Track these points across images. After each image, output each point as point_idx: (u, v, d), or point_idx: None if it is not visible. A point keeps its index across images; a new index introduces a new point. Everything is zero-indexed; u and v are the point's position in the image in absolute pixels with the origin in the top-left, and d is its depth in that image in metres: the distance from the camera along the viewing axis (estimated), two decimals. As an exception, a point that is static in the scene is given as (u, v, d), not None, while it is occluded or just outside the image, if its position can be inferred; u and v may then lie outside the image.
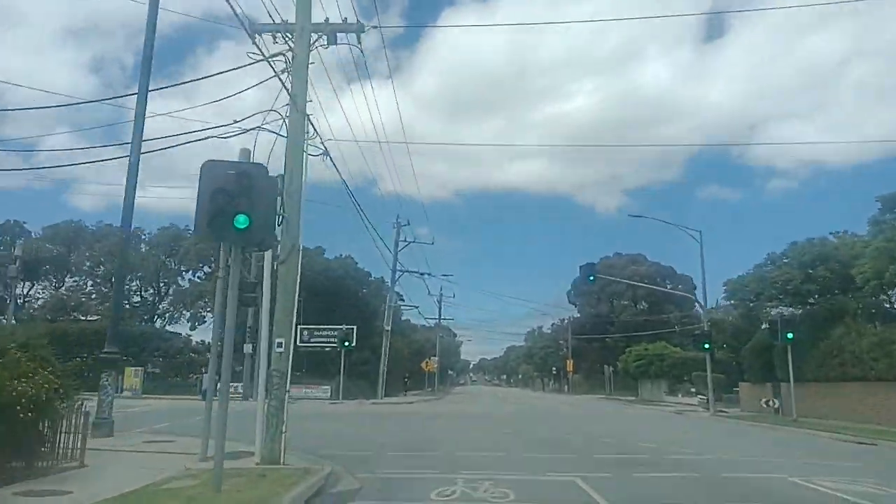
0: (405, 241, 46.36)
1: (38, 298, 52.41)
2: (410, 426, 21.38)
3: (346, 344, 40.21)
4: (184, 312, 50.19)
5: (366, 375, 45.70)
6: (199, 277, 50.59)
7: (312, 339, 44.68)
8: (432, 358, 62.47)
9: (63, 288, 52.37)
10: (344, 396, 40.05)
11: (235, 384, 41.39)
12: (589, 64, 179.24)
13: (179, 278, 51.68)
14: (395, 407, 36.25)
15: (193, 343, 46.08)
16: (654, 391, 57.96)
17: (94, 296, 51.20)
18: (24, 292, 53.76)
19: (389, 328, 46.17)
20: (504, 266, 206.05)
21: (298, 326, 44.52)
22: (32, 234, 52.54)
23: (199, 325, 49.62)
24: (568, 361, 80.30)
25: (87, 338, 42.28)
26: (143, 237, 52.73)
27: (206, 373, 42.26)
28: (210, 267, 48.70)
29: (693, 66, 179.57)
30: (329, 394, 41.57)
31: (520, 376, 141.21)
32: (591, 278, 33.10)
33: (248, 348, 38.70)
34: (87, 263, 51.41)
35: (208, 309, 47.89)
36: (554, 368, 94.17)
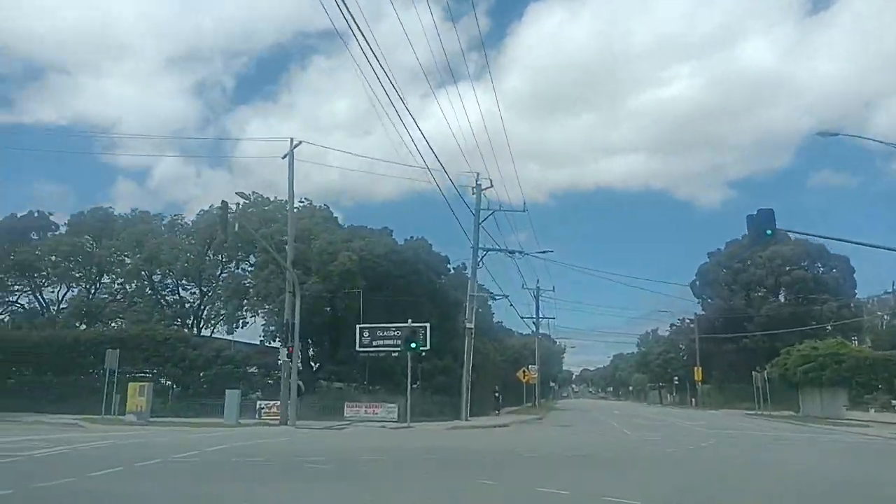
0: (487, 209, 35.30)
1: (68, 300, 45.24)
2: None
3: (414, 346, 29.43)
4: (221, 312, 41.11)
5: (446, 389, 34.83)
6: (243, 269, 41.46)
7: (375, 342, 34.29)
8: (531, 367, 50.84)
9: (90, 287, 45.07)
10: (416, 417, 29.30)
11: (269, 402, 31.59)
12: (683, 48, 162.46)
13: (220, 270, 42.74)
14: (483, 436, 25.05)
15: (233, 351, 36.75)
16: (828, 404, 43.71)
17: (119, 296, 43.51)
18: (58, 294, 46.81)
19: (472, 326, 35.06)
20: (603, 268, 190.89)
21: (357, 326, 34.64)
22: (60, 227, 45.58)
23: (237, 327, 40.56)
24: (696, 369, 66.22)
25: (95, 348, 33.79)
26: (181, 224, 44.51)
27: (239, 389, 32.84)
28: (256, 256, 39.36)
29: (798, 43, 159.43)
30: (396, 414, 30.96)
31: (630, 388, 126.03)
32: (769, 233, 20.44)
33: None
34: (112, 258, 43.48)
35: (246, 308, 38.67)
36: (676, 378, 79.83)
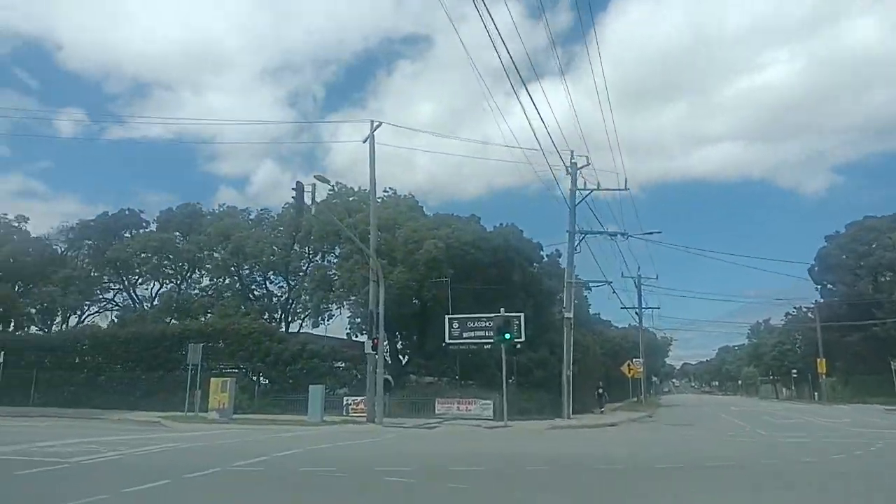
0: (584, 189, 31.97)
1: (160, 296, 45.48)
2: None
3: (508, 336, 26.64)
4: (307, 304, 39.73)
5: (543, 384, 31.91)
6: (328, 261, 40.04)
7: (465, 334, 31.80)
8: (635, 360, 46.89)
9: (181, 282, 45.18)
10: (513, 415, 26.56)
11: (356, 398, 29.76)
12: (780, 30, 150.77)
13: (307, 264, 41.52)
14: (597, 438, 22.04)
15: (319, 345, 35.25)
16: None
17: (210, 291, 43.10)
18: (152, 290, 47.29)
19: (571, 315, 31.90)
20: (699, 259, 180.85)
21: (446, 317, 32.19)
22: (151, 224, 45.92)
23: (323, 320, 39.09)
24: (819, 361, 59.87)
25: (181, 342, 33.07)
26: (267, 218, 43.63)
27: (323, 384, 31.04)
28: (340, 247, 37.81)
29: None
30: (491, 411, 28.37)
31: (739, 382, 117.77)
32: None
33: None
34: (202, 253, 43.16)
35: (332, 300, 37.05)
36: (794, 370, 73.01)
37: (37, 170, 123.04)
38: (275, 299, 43.48)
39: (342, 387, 32.78)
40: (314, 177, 24.16)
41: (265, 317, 40.30)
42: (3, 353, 32.46)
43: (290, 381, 33.14)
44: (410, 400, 30.21)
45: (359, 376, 30.92)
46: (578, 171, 31.53)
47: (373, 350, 25.71)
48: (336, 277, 37.46)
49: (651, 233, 35.52)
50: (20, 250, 43.65)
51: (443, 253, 33.35)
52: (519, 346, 29.68)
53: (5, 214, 45.76)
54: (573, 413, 29.94)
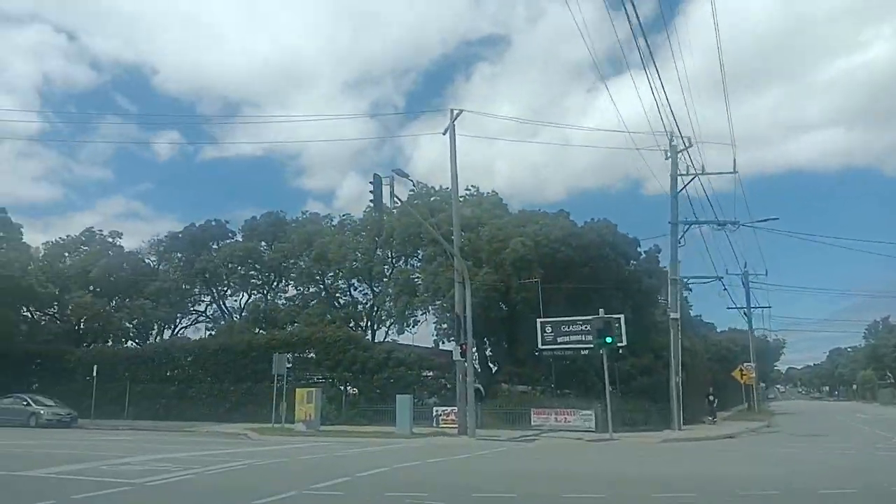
0: (686, 174, 29.05)
1: (247, 306, 45.56)
2: None
3: (609, 340, 24.12)
4: (391, 311, 38.38)
5: (648, 392, 29.19)
6: (411, 265, 38.72)
7: (559, 339, 29.49)
8: (746, 364, 42.91)
9: (267, 291, 45.01)
10: (616, 426, 24.03)
11: (445, 408, 28.01)
12: (883, 4, 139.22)
13: (390, 268, 40.35)
14: (724, 454, 19.37)
15: (405, 353, 33.85)
16: None
17: (297, 300, 42.56)
18: (240, 301, 47.48)
19: (678, 316, 29.00)
20: (804, 254, 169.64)
21: (538, 320, 29.94)
22: (237, 234, 46.09)
23: (408, 327, 37.61)
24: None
25: (267, 353, 32.40)
26: (349, 223, 42.80)
27: (411, 394, 29.55)
28: (423, 250, 36.41)
29: None
30: (593, 422, 25.95)
31: (854, 387, 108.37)
32: None
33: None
34: (286, 261, 42.78)
35: (417, 306, 35.49)
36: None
37: (137, 192, 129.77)
38: (360, 307, 42.52)
39: (430, 396, 31.25)
40: (392, 171, 22.76)
41: (350, 325, 39.33)
42: (95, 366, 32.76)
43: (378, 391, 31.88)
44: (503, 410, 28.26)
45: (448, 385, 29.22)
46: (679, 155, 28.68)
47: (461, 357, 23.93)
48: (419, 281, 36.02)
49: (766, 219, 31.99)
50: (115, 265, 44.66)
51: (531, 252, 31.26)
52: (620, 350, 27.14)
53: (101, 230, 47.16)
54: (683, 423, 27.07)
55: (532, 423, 26.73)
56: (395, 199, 22.66)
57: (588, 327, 26.62)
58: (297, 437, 23.11)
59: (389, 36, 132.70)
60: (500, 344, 36.18)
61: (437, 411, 28.23)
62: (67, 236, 46.90)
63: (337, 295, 43.87)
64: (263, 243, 45.28)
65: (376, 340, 37.19)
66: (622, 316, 27.60)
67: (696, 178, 28.80)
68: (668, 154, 28.91)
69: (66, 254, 45.68)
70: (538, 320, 29.93)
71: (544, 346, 29.70)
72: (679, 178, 29.08)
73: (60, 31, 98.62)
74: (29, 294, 37.91)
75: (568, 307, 30.54)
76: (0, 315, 35.65)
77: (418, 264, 37.23)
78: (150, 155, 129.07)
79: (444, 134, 26.76)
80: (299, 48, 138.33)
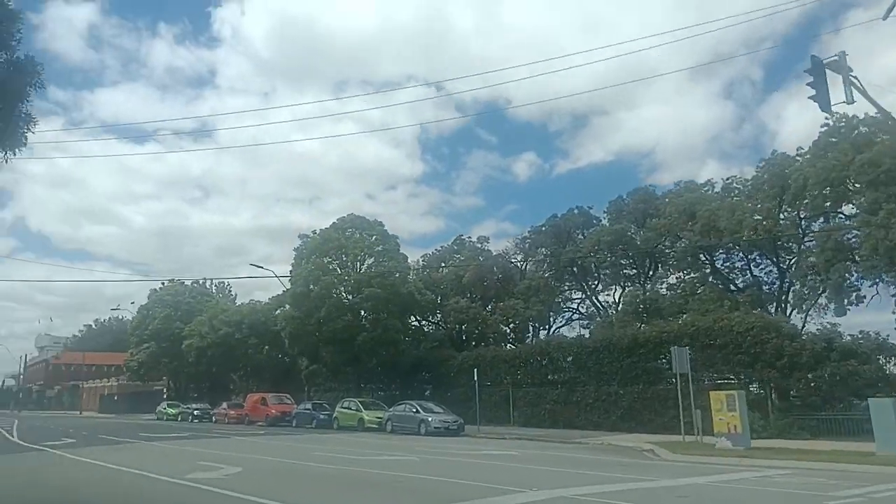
0: None
1: (622, 298, 40.36)
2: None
3: None
4: (816, 285, 28.78)
5: None
6: (840, 219, 29.05)
7: None
8: None
9: (643, 278, 38.96)
10: None
11: None
12: None
13: (803, 232, 30.92)
14: None
15: (852, 343, 24.39)
16: None
17: (679, 288, 35.47)
18: (614, 294, 42.86)
19: None
20: None
21: None
22: (602, 219, 41.42)
23: (850, 304, 27.47)
24: None
25: (656, 348, 26.52)
26: (738, 187, 34.47)
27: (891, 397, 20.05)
28: (855, 199, 26.81)
29: None
30: None
31: None
32: None
33: None
34: (659, 241, 36.19)
35: (858, 274, 25.59)
36: None
37: (505, 212, 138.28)
38: (765, 287, 33.68)
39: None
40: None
41: (756, 310, 30.97)
42: (476, 370, 30.94)
43: (819, 393, 23.52)
44: None
45: None
46: None
47: None
48: (856, 242, 26.28)
49: None
50: (485, 269, 44.06)
51: None
52: None
53: (469, 237, 47.35)
54: None
55: None
56: (851, 89, 14.55)
57: None
58: (723, 458, 16.60)
59: (736, 8, 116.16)
60: None
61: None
62: (442, 247, 48.26)
63: (731, 276, 35.80)
64: (633, 225, 39.67)
65: (812, 334, 28.05)
66: None
67: None
68: None
69: (443, 263, 46.73)
70: None
71: None
72: None
73: (430, 85, 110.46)
74: (410, 302, 38.68)
75: None
76: (388, 324, 36.65)
77: (852, 217, 27.38)
78: (510, 178, 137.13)
79: (883, 19, 17.84)
80: (640, 47, 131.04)
